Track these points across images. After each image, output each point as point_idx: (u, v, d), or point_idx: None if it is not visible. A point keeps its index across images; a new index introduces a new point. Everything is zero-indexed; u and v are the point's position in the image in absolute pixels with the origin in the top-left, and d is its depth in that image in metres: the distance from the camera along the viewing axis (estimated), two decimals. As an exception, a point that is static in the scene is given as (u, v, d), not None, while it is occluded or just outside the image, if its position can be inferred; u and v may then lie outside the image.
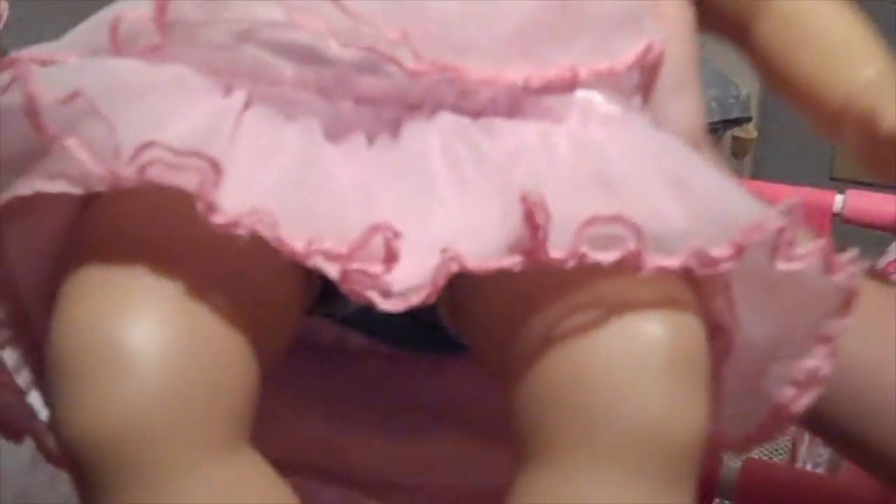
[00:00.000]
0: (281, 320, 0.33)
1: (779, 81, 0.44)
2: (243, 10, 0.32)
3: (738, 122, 1.54)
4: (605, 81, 0.34)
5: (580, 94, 0.34)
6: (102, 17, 0.34)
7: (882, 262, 0.84)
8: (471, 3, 0.33)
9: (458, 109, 0.33)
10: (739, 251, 0.30)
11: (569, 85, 0.34)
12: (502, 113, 0.33)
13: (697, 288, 0.32)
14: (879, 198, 0.98)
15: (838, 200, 0.99)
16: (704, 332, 0.32)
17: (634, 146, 0.33)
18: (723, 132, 1.59)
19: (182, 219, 0.29)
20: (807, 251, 0.31)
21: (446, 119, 0.32)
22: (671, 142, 0.34)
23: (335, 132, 0.32)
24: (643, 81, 0.36)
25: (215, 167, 0.28)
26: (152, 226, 0.31)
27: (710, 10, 0.41)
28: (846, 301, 0.33)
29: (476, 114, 0.33)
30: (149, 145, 0.28)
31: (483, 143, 0.32)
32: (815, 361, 0.34)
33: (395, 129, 0.32)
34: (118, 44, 0.33)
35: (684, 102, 0.38)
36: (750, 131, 1.73)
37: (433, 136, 0.32)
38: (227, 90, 0.32)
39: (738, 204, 0.32)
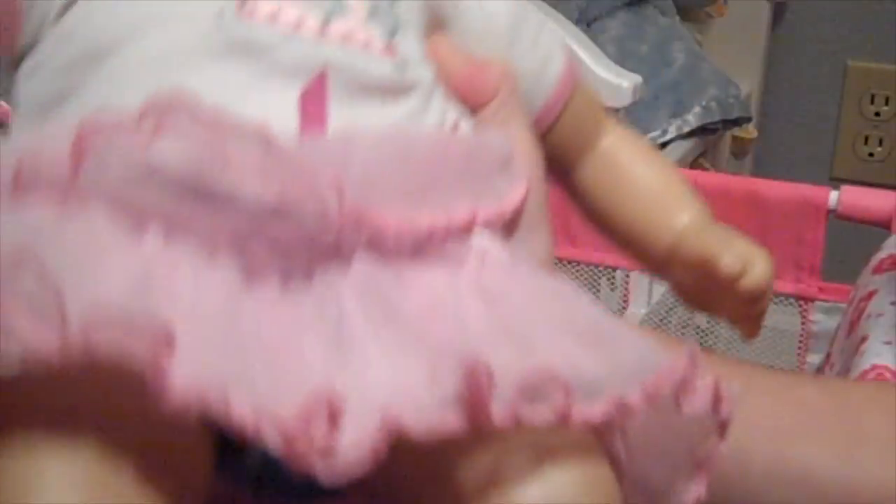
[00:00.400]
0: (196, 486, 0.32)
1: (602, 223, 0.47)
2: (154, 147, 0.30)
3: (738, 122, 1.54)
4: (494, 225, 0.36)
5: (476, 237, 0.35)
6: (3, 150, 0.32)
7: (877, 258, 0.84)
8: (384, 144, 0.33)
9: (367, 253, 0.32)
10: (652, 398, 0.31)
11: (467, 229, 0.34)
12: (407, 256, 0.33)
13: (598, 429, 0.33)
14: (874, 193, 0.98)
15: (833, 197, 0.99)
16: (612, 475, 0.33)
17: (536, 295, 0.34)
18: (723, 132, 1.59)
19: (92, 388, 0.28)
20: (702, 389, 0.33)
21: (358, 268, 0.32)
22: (566, 287, 0.35)
23: (250, 278, 0.31)
24: (509, 222, 0.37)
25: (168, 340, 0.27)
26: (58, 394, 0.29)
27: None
28: (723, 428, 0.35)
29: (383, 257, 0.33)
30: (98, 314, 0.27)
31: (396, 295, 0.32)
32: (698, 487, 0.36)
33: (307, 275, 0.32)
34: (21, 183, 0.31)
35: (537, 238, 0.40)
36: (750, 131, 1.73)
37: (346, 287, 0.32)
38: (143, 229, 0.30)
39: (643, 349, 0.33)
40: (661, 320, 1.39)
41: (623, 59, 1.34)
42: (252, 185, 0.30)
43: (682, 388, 0.32)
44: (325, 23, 0.35)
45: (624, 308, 1.23)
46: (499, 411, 0.29)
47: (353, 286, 0.32)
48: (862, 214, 0.96)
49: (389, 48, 0.36)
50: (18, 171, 0.31)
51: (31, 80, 0.36)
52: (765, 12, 1.79)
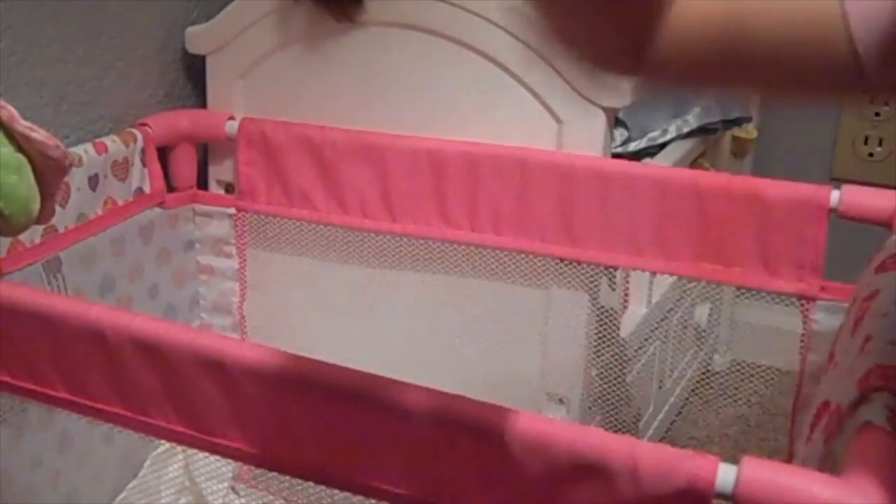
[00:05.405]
0: None
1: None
2: None
3: (738, 122, 1.53)
4: None
5: None
6: None
7: (879, 258, 0.84)
8: None
9: None
10: None
11: None
12: None
13: None
14: (876, 193, 0.98)
15: (834, 196, 0.99)
16: None
17: None
18: (723, 132, 1.59)
19: None
20: None
21: None
22: None
23: None
24: None
25: None
26: None
27: None
28: None
29: None
30: None
31: None
32: None
33: None
34: None
35: None
36: (750, 131, 1.73)
37: None
38: None
39: None
40: (661, 320, 1.39)
41: (623, 58, 1.34)
42: None
43: None
44: None
45: (624, 308, 1.22)
46: None
47: None
48: (863, 214, 0.96)
49: None
50: None
51: None
52: (764, 12, 1.79)
